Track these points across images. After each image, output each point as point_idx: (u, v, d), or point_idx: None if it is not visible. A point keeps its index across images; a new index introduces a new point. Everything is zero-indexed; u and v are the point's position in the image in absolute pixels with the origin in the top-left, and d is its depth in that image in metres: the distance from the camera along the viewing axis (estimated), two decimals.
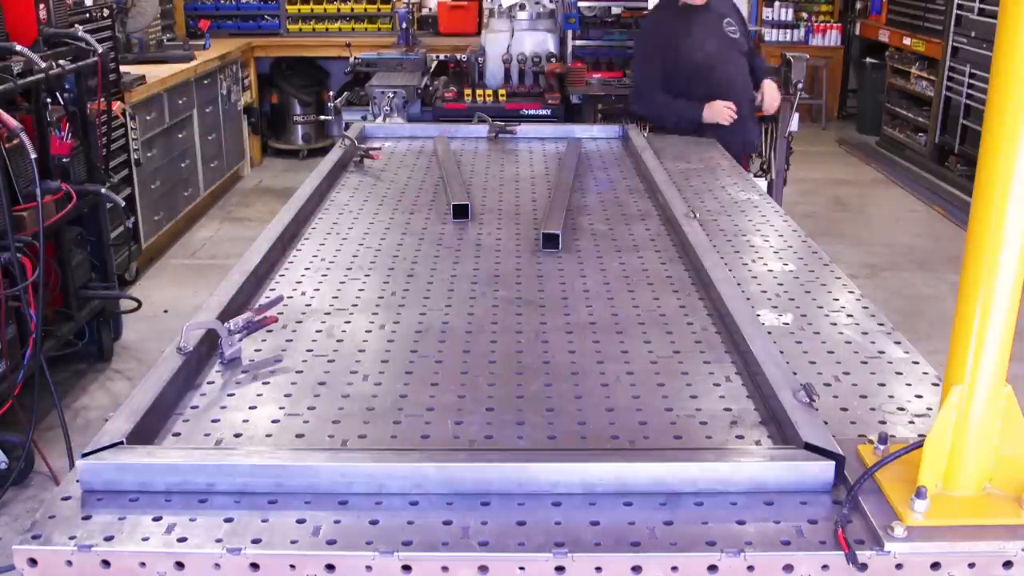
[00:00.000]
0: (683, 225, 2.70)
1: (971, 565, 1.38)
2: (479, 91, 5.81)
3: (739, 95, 4.41)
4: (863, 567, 1.36)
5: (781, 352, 2.03)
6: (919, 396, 1.84)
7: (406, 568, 1.36)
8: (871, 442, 1.55)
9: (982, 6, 7.62)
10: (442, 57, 6.66)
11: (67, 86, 4.34)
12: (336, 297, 2.34)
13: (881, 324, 2.18)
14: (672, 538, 1.40)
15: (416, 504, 1.47)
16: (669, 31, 4.44)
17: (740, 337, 2.00)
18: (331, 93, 6.79)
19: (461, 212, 2.96)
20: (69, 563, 1.37)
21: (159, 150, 6.19)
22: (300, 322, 2.18)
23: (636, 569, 1.36)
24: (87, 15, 4.98)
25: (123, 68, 5.68)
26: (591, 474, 1.50)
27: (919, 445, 1.44)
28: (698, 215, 2.79)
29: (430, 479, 1.49)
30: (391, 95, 5.38)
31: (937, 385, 1.86)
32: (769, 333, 2.14)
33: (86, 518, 1.43)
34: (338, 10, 8.61)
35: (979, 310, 1.36)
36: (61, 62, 4.13)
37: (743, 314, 2.08)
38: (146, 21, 6.78)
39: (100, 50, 4.39)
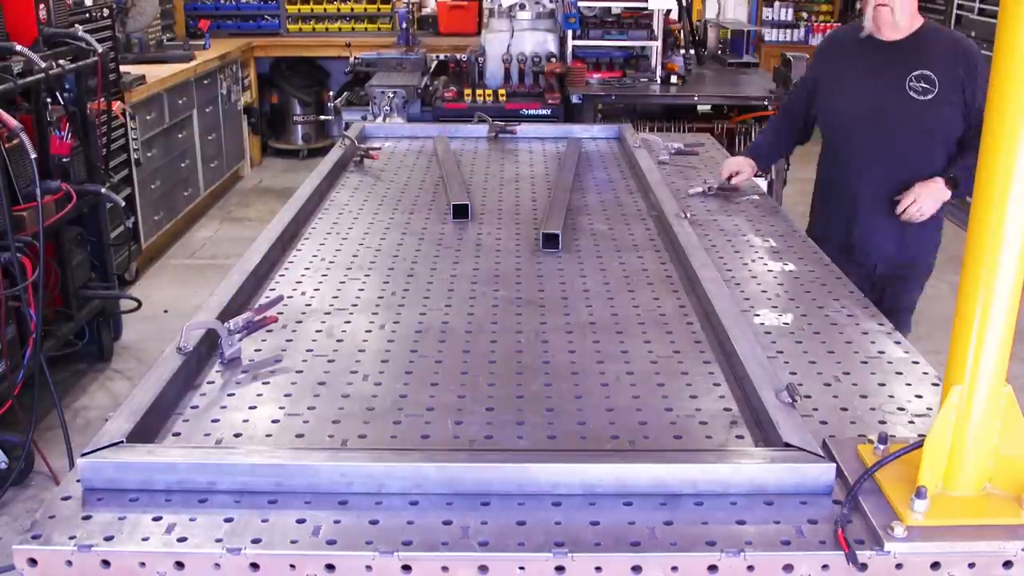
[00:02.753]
0: (674, 225, 2.70)
1: (971, 565, 1.38)
2: (479, 91, 5.81)
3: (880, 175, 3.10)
4: (863, 567, 1.36)
5: (780, 352, 2.03)
6: (919, 396, 1.84)
7: (406, 568, 1.36)
8: (871, 442, 1.55)
9: (982, 6, 7.62)
10: (442, 57, 6.66)
11: (67, 86, 4.33)
12: (336, 297, 2.34)
13: (881, 324, 2.18)
14: (672, 538, 1.40)
15: (416, 504, 1.47)
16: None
17: (725, 337, 2.00)
18: (331, 93, 6.79)
19: (461, 212, 2.96)
20: (69, 563, 1.37)
21: (159, 150, 6.18)
22: (300, 322, 2.18)
23: (636, 569, 1.36)
24: (87, 15, 4.98)
25: (123, 68, 5.67)
26: (591, 474, 1.50)
27: (919, 445, 1.44)
28: (689, 215, 2.79)
29: (430, 479, 1.49)
30: (391, 95, 5.38)
31: (937, 385, 1.86)
32: (768, 333, 2.14)
33: (86, 518, 1.43)
34: (338, 10, 8.61)
35: (979, 310, 1.36)
36: (61, 62, 4.13)
37: (729, 314, 2.08)
38: (146, 21, 6.77)
39: (100, 50, 4.39)
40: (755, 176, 3.31)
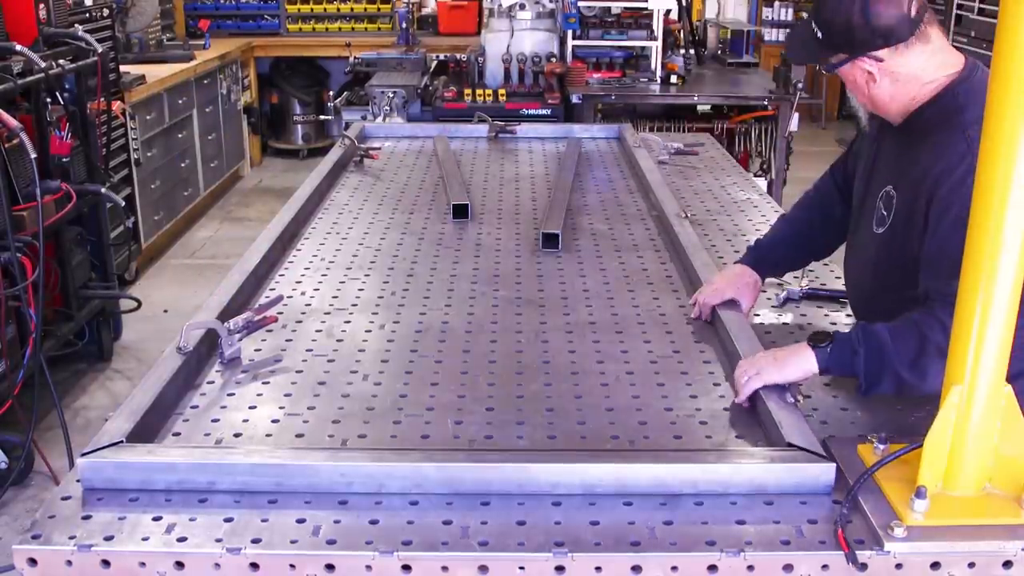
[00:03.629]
0: (674, 225, 2.70)
1: (971, 565, 1.38)
2: (479, 91, 5.80)
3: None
4: (863, 567, 1.36)
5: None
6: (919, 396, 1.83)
7: (406, 568, 1.36)
8: (871, 442, 1.55)
9: (982, 6, 7.62)
10: (442, 57, 6.66)
11: (67, 86, 4.33)
12: (336, 297, 2.34)
13: None
14: (672, 538, 1.40)
15: (416, 504, 1.47)
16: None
17: (726, 337, 2.00)
18: (331, 93, 6.78)
19: (461, 212, 2.96)
20: (69, 563, 1.37)
21: (159, 150, 6.18)
22: (300, 322, 2.18)
23: (636, 569, 1.36)
24: (87, 15, 4.97)
25: (123, 68, 5.67)
26: (591, 474, 1.50)
27: (919, 445, 1.44)
28: (690, 215, 2.79)
29: (430, 479, 1.49)
30: (391, 95, 5.37)
31: None
32: (768, 333, 2.14)
33: (86, 518, 1.43)
34: (338, 10, 8.60)
35: (979, 310, 1.36)
36: (61, 62, 4.12)
37: (730, 314, 2.08)
38: (146, 21, 6.77)
39: (100, 50, 4.38)
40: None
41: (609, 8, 6.20)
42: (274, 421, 1.73)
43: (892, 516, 1.41)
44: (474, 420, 1.74)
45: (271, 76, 8.80)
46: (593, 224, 2.91)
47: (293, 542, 1.38)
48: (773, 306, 2.29)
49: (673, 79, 5.98)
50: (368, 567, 1.36)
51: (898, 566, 1.37)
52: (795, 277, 2.41)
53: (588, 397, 1.83)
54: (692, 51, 6.52)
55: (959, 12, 7.94)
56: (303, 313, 2.23)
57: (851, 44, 1.76)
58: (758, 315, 2.23)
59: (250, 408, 1.78)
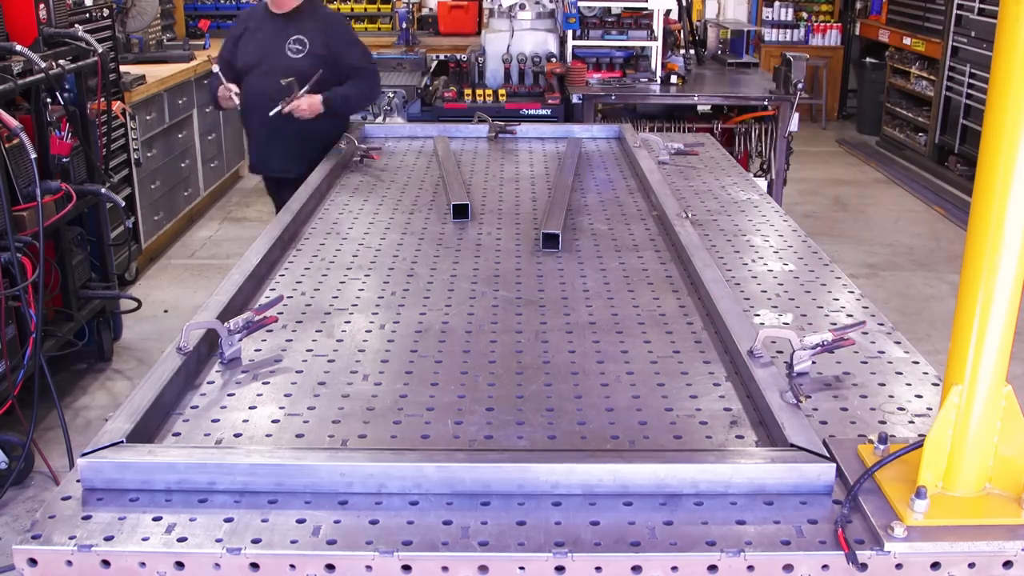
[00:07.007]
0: (675, 225, 2.70)
1: (971, 565, 1.38)
2: (479, 91, 5.81)
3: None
4: (863, 567, 1.36)
5: (780, 352, 2.03)
6: (919, 396, 1.84)
7: (406, 568, 1.36)
8: (871, 442, 1.55)
9: (982, 6, 7.63)
10: (442, 57, 6.67)
11: (67, 86, 4.33)
12: (336, 297, 2.34)
13: (881, 324, 2.18)
14: (672, 538, 1.40)
15: (416, 504, 1.47)
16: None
17: (728, 337, 2.00)
18: None
19: (461, 212, 2.96)
20: (69, 563, 1.37)
21: (159, 150, 6.19)
22: (300, 322, 2.18)
23: (636, 569, 1.36)
24: (87, 15, 4.98)
25: (123, 68, 5.68)
26: (591, 474, 1.50)
27: (919, 445, 1.44)
28: (691, 215, 2.79)
29: (430, 479, 1.49)
30: (391, 95, 5.38)
31: (937, 385, 1.86)
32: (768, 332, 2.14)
33: (86, 518, 1.43)
34: (338, 10, 8.61)
35: (979, 310, 1.36)
36: (61, 62, 4.13)
37: (732, 314, 2.08)
38: (146, 21, 6.77)
39: (100, 50, 4.39)
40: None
41: (609, 8, 6.21)
42: (274, 421, 1.73)
43: (892, 516, 1.41)
44: (474, 420, 1.74)
45: None
46: (593, 224, 2.92)
47: (293, 542, 1.38)
48: (773, 306, 2.29)
49: (673, 79, 5.99)
50: (368, 567, 1.36)
51: (898, 566, 1.37)
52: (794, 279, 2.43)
53: (588, 397, 1.83)
54: (692, 51, 6.53)
55: (959, 12, 7.94)
56: (303, 313, 2.23)
57: None
58: (758, 315, 2.23)
59: (250, 408, 1.78)
